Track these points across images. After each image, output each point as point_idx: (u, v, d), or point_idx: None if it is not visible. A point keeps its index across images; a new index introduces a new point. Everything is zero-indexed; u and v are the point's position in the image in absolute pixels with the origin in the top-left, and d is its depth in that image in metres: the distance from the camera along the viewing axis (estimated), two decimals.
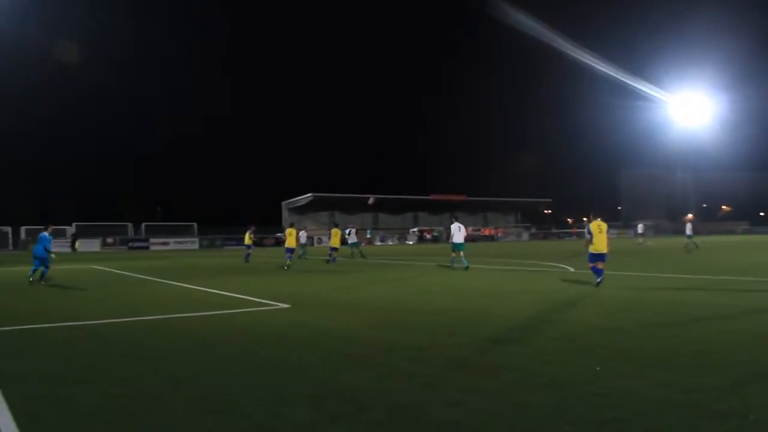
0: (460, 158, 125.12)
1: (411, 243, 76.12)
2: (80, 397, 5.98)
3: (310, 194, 74.60)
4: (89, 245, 59.68)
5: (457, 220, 24.65)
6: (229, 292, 15.91)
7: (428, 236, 78.54)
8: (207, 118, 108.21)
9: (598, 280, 15.25)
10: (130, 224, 66.82)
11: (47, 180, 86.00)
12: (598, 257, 15.57)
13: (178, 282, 19.29)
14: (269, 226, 73.24)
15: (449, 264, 24.42)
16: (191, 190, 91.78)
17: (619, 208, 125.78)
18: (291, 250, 27.22)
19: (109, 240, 61.85)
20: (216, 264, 31.53)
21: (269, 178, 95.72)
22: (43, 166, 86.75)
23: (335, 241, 30.83)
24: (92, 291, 17.29)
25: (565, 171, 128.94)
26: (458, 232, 23.57)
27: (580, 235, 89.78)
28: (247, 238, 31.97)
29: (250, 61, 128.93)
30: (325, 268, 26.69)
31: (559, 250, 41.73)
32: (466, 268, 22.44)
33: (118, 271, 25.66)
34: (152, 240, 63.24)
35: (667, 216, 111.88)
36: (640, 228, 58.08)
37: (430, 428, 4.95)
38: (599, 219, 16.05)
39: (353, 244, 36.13)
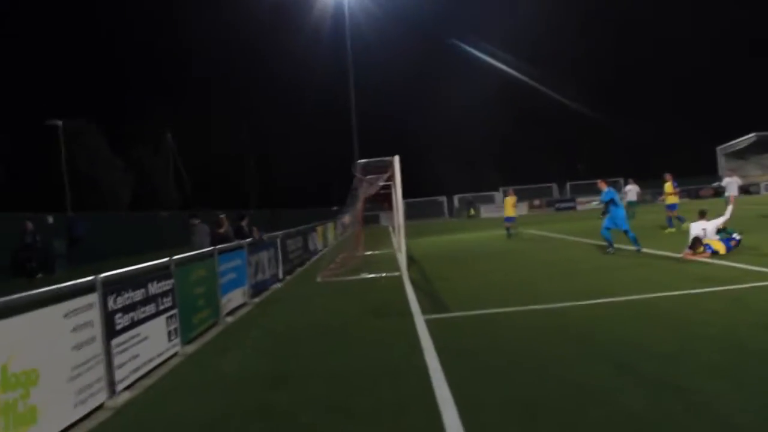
0: None
1: None
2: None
3: (753, 134, 64.77)
4: (517, 209, 60.63)
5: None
6: (729, 261, 12.25)
7: None
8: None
9: None
10: (554, 185, 66.12)
11: (474, 148, 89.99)
12: None
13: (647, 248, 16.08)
14: (702, 175, 66.09)
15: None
16: (615, 143, 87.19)
17: None
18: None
19: (536, 202, 61.83)
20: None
21: (700, 120, 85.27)
22: (471, 134, 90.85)
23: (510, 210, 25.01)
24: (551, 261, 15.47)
25: None
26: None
27: None
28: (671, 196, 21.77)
29: None
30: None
31: None
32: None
33: (561, 236, 23.30)
34: (578, 199, 61.44)
35: None
36: None
37: None
38: None
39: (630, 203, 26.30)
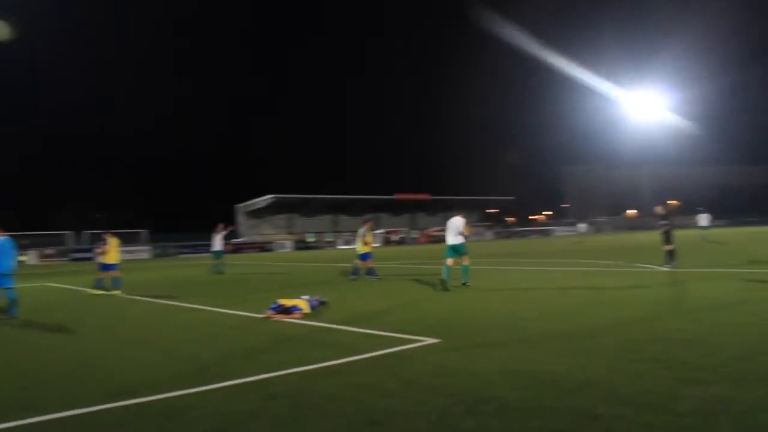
0: (416, 158, 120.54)
1: (377, 245, 71.37)
2: None
3: (270, 196, 69.01)
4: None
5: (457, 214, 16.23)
6: (320, 321, 10.94)
7: (395, 238, 74.16)
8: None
9: None
10: (70, 233, 59.93)
11: None
12: None
13: (214, 307, 13.70)
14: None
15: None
16: (132, 195, 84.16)
17: (566, 205, 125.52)
18: (363, 257, 19.93)
19: (48, 251, 55.00)
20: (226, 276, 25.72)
21: (216, 180, 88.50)
22: None
23: None
24: (91, 329, 11.96)
25: (517, 169, 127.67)
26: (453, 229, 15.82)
27: (545, 233, 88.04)
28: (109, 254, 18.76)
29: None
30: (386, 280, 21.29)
31: (554, 248, 37.81)
32: (464, 283, 15.31)
33: (86, 290, 19.43)
34: (97, 249, 56.51)
35: (609, 212, 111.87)
36: (582, 227, 56.01)
37: None
38: None
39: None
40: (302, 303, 11.89)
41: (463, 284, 15.29)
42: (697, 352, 6.98)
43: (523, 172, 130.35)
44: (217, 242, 26.41)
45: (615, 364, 6.57)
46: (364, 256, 19.95)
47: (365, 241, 20.05)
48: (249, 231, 72.74)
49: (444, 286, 15.16)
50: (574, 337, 8.26)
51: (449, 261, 15.59)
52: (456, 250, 15.69)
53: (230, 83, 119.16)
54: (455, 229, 15.79)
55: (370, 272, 19.77)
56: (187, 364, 7.54)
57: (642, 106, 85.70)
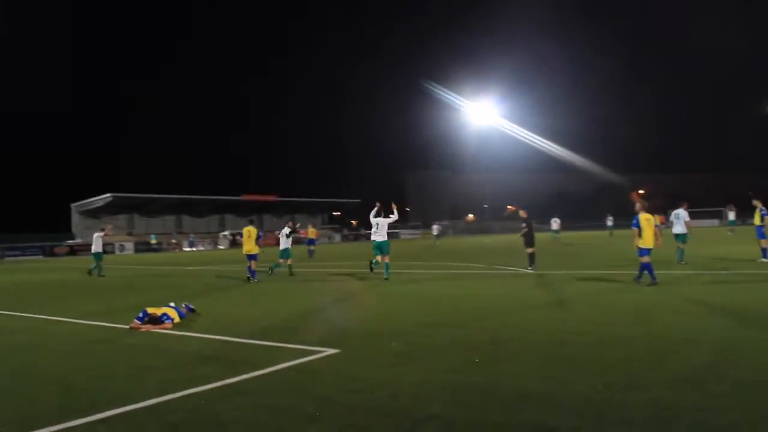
0: (267, 158, 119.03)
1: (223, 248, 68.96)
2: None
3: (109, 195, 64.38)
4: None
5: (379, 215, 17.73)
6: (182, 330, 9.97)
7: (241, 239, 71.97)
8: None
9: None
10: None
11: None
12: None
13: (69, 317, 12.08)
14: (57, 232, 62.73)
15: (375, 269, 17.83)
16: None
17: (408, 209, 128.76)
18: (254, 257, 19.07)
19: None
20: (85, 281, 23.41)
21: (50, 177, 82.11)
22: None
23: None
24: None
25: (360, 173, 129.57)
26: (379, 228, 17.59)
27: (392, 236, 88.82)
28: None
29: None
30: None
31: (411, 251, 38.26)
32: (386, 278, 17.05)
33: None
34: None
35: (449, 216, 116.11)
36: (435, 229, 57.12)
37: None
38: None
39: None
40: (172, 311, 10.77)
41: (386, 279, 16.88)
42: (610, 354, 6.83)
43: (368, 175, 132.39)
44: (98, 243, 24.90)
45: (539, 371, 6.23)
46: (285, 254, 20.73)
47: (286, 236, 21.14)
48: (85, 232, 67.56)
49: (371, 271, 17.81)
50: (479, 343, 7.87)
51: (379, 258, 17.31)
52: (381, 248, 17.26)
53: (70, 76, 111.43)
54: (383, 228, 17.44)
55: (252, 272, 19.11)
56: (55, 391, 6.27)
57: (482, 115, 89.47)
